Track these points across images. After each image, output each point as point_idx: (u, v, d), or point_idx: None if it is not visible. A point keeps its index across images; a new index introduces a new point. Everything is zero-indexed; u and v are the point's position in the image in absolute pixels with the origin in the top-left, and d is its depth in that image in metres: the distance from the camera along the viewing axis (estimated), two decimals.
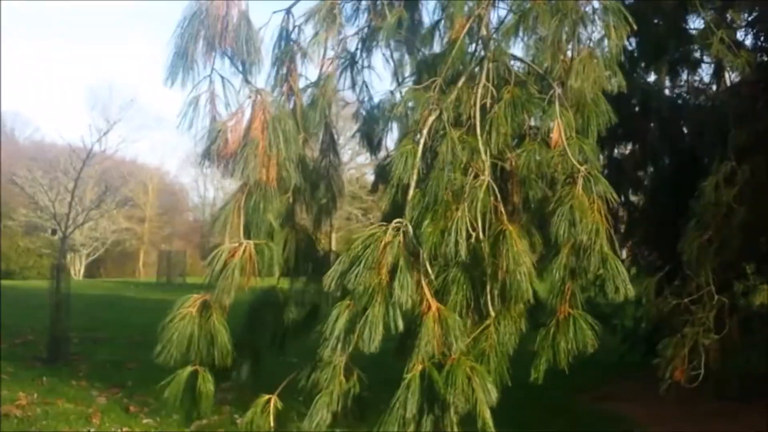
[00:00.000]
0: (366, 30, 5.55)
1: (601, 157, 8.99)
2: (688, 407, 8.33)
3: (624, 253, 11.63)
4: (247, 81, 4.37)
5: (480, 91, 4.52)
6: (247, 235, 4.25)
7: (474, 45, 5.03)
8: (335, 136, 5.66)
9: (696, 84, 10.48)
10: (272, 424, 4.08)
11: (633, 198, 11.51)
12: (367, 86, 5.82)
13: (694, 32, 8.09)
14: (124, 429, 7.34)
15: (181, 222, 59.50)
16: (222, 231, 4.29)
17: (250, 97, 4.35)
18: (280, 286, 5.15)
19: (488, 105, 4.56)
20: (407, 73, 5.72)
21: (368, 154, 6.20)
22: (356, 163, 38.97)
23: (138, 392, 8.72)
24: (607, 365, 11.29)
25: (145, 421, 7.63)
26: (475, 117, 4.42)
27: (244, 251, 4.15)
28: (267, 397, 4.18)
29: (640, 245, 11.38)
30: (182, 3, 4.28)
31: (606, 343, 11.84)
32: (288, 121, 4.34)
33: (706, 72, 10.04)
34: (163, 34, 5.84)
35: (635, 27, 4.83)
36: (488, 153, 4.30)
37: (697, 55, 9.14)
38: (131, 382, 9.38)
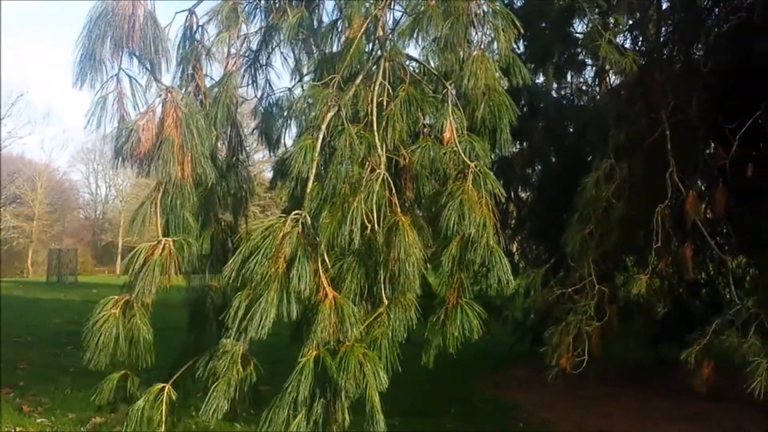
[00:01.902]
0: (267, 29, 5.64)
1: (509, 149, 9.35)
2: (572, 393, 8.77)
3: (514, 247, 12.09)
4: (156, 80, 4.41)
5: (377, 89, 4.67)
6: (166, 233, 4.29)
7: (371, 45, 5.19)
8: (242, 133, 5.73)
9: (580, 86, 11.00)
10: (164, 413, 4.11)
11: (522, 194, 11.90)
12: (270, 83, 5.93)
13: (579, 36, 8.50)
14: (18, 429, 7.19)
15: (72, 219, 57.69)
16: (141, 230, 4.31)
17: (160, 95, 4.38)
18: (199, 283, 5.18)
19: (385, 103, 4.71)
20: (306, 72, 5.84)
21: (265, 152, 6.27)
22: (253, 160, 38.60)
23: (30, 392, 8.54)
24: (498, 355, 11.74)
25: (39, 420, 7.47)
26: (372, 114, 4.57)
27: (164, 248, 4.19)
28: (161, 386, 4.19)
29: (528, 239, 11.81)
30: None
31: (497, 334, 12.38)
32: (200, 118, 4.41)
33: (589, 74, 10.58)
34: (49, 30, 5.77)
35: (522, 30, 5.11)
36: (384, 148, 4.47)
37: (582, 58, 9.57)
38: (23, 382, 9.15)
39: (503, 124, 4.64)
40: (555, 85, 11.13)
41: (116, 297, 4.20)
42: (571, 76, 10.60)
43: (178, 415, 4.54)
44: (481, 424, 7.78)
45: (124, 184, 55.82)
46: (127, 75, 4.40)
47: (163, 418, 4.08)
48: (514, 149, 11.54)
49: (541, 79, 10.68)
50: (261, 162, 35.52)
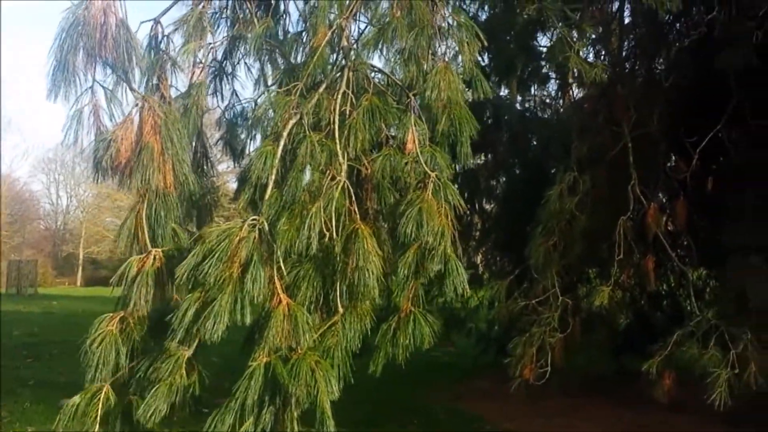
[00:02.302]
0: (232, 39, 5.62)
1: (456, 166, 9.38)
2: (535, 404, 8.78)
3: (479, 259, 12.13)
4: (131, 89, 4.38)
5: (339, 98, 4.69)
6: (154, 244, 4.26)
7: (335, 55, 5.20)
8: (207, 144, 5.70)
9: (544, 98, 11.10)
10: (99, 413, 4.04)
11: (486, 206, 11.96)
12: (236, 94, 5.91)
13: (543, 49, 8.58)
14: None
15: (32, 230, 56.85)
16: (128, 243, 4.26)
17: (137, 104, 4.35)
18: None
19: (347, 112, 4.72)
20: (270, 82, 5.82)
21: (229, 162, 6.25)
22: (216, 171, 38.48)
23: None
24: (462, 367, 11.76)
25: None
26: (334, 122, 4.58)
27: (155, 259, 4.15)
28: (100, 385, 4.12)
29: (493, 251, 11.86)
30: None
31: (461, 346, 12.36)
32: (178, 124, 4.38)
33: (552, 88, 10.68)
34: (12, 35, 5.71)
35: (486, 43, 5.13)
36: (345, 157, 4.47)
37: (545, 71, 9.66)
38: None
39: (463, 138, 4.65)
40: (519, 98, 11.21)
41: (111, 314, 4.17)
42: (535, 89, 10.70)
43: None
44: None
45: (86, 195, 55.20)
46: (102, 87, 4.38)
47: (98, 417, 4.01)
48: (479, 161, 11.61)
49: (505, 91, 10.77)
50: (225, 173, 35.37)
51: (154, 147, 4.23)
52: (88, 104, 4.34)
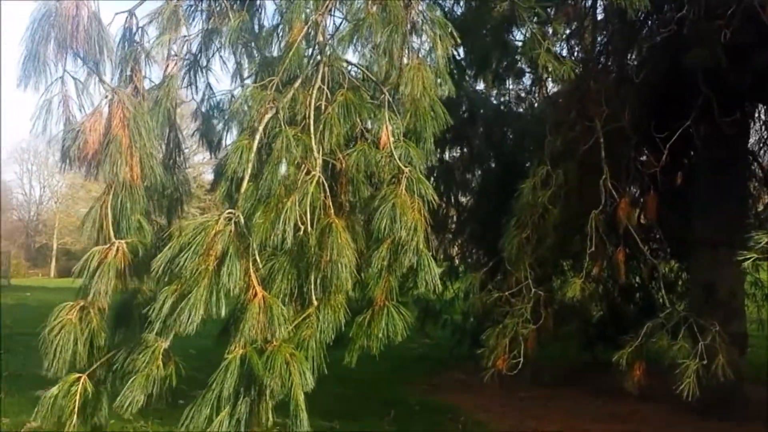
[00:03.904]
0: (207, 32, 5.65)
1: (432, 159, 9.44)
2: (510, 394, 8.95)
3: (454, 251, 12.24)
4: (101, 80, 4.39)
5: (315, 93, 4.73)
6: (118, 236, 4.28)
7: (311, 50, 5.24)
8: (180, 136, 5.72)
9: (519, 93, 11.21)
10: (77, 403, 4.07)
11: (462, 199, 12.06)
12: (210, 86, 5.94)
13: (518, 43, 8.66)
14: None
15: (4, 221, 56.12)
16: (92, 234, 4.28)
17: (106, 96, 4.37)
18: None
19: (323, 107, 4.77)
20: (246, 75, 5.86)
21: (206, 154, 6.29)
22: (193, 162, 38.31)
23: None
24: (437, 359, 11.88)
25: None
26: (309, 117, 4.63)
27: (117, 251, 4.18)
28: (77, 376, 4.15)
29: (468, 243, 11.96)
30: None
31: (437, 338, 12.47)
32: (147, 118, 4.41)
33: (527, 82, 10.78)
34: None
35: (459, 40, 5.21)
36: (321, 151, 4.53)
37: (520, 65, 9.74)
38: None
39: (426, 134, 4.72)
40: (495, 92, 11.30)
41: (71, 303, 4.17)
42: (511, 83, 10.79)
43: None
44: (419, 425, 7.86)
45: (59, 185, 54.62)
46: (72, 77, 4.38)
47: (75, 408, 4.04)
48: (455, 154, 11.70)
49: (481, 85, 10.85)
50: (202, 164, 35.21)
51: (122, 140, 4.24)
52: (58, 94, 4.35)
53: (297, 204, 4.16)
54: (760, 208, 11.08)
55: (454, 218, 12.03)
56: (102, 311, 4.18)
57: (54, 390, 4.05)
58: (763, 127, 10.19)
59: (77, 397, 4.05)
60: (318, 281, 4.22)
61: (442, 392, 9.74)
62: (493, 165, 11.20)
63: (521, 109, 11.34)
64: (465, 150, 11.43)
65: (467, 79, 10.39)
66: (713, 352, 6.46)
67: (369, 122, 4.99)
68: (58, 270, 49.20)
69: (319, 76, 4.77)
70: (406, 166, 4.46)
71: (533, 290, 7.34)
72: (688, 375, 6.24)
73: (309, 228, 4.17)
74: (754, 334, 11.23)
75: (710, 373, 6.36)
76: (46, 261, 52.34)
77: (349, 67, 5.18)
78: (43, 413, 4.01)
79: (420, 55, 5.14)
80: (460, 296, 11.27)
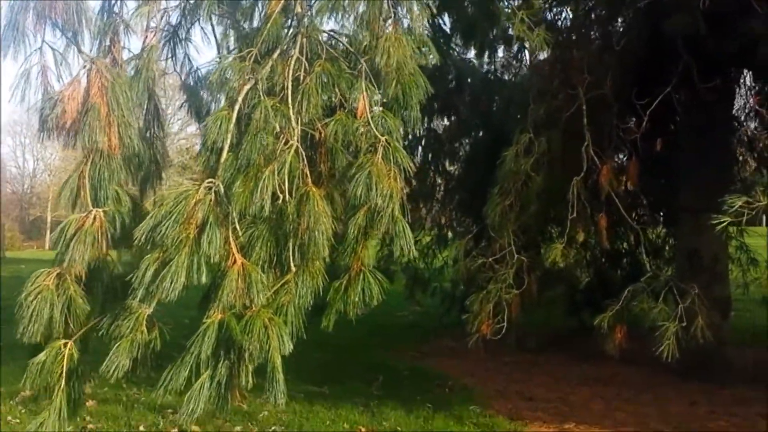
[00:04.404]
0: (188, 3, 5.67)
1: (419, 127, 9.50)
2: (497, 359, 9.12)
3: (443, 220, 12.34)
4: (80, 51, 4.45)
5: (293, 64, 4.79)
6: (96, 205, 4.35)
7: (290, 20, 5.28)
8: (159, 107, 5.77)
9: (507, 61, 11.21)
10: (64, 368, 4.17)
11: (450, 167, 12.13)
12: (189, 58, 5.97)
13: (506, 11, 8.67)
14: None
15: None
16: (68, 202, 4.36)
17: (85, 66, 4.43)
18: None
19: (301, 77, 4.83)
20: (228, 46, 5.90)
21: (197, 125, 6.33)
22: (186, 134, 38.29)
23: None
24: (426, 327, 12.04)
25: None
26: (288, 88, 4.69)
27: (94, 219, 4.26)
28: (63, 341, 4.24)
29: (456, 211, 12.05)
30: None
31: (427, 306, 12.62)
32: (125, 88, 4.47)
33: (513, 51, 10.79)
34: None
35: (435, 11, 5.25)
36: (299, 122, 4.60)
37: (509, 34, 9.74)
38: None
39: (413, 103, 4.78)
40: (485, 60, 11.29)
41: (48, 270, 4.26)
42: (494, 52, 10.77)
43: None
44: (407, 390, 8.02)
45: (53, 158, 54.38)
46: (51, 47, 4.44)
47: (63, 373, 4.15)
48: (443, 123, 11.76)
49: (472, 53, 10.86)
50: (194, 135, 35.04)
51: (100, 108, 4.31)
52: (37, 64, 4.41)
53: (275, 173, 4.25)
54: (747, 174, 11.15)
55: (442, 187, 12.11)
56: (78, 278, 4.26)
57: (41, 356, 4.14)
58: (748, 93, 10.24)
59: (64, 362, 4.15)
60: (296, 248, 4.32)
61: (430, 358, 9.92)
62: (480, 134, 11.24)
63: (508, 77, 11.36)
64: (453, 119, 11.47)
65: (454, 48, 10.42)
66: (693, 315, 6.56)
67: (345, 92, 5.05)
68: (53, 242, 49.12)
69: (297, 48, 4.83)
70: (383, 135, 4.53)
71: (516, 256, 7.41)
72: (667, 337, 6.35)
73: (287, 197, 4.26)
74: (740, 299, 11.44)
75: (689, 335, 6.46)
76: (40, 233, 52.38)
77: (328, 38, 5.23)
78: (32, 378, 4.12)
79: (401, 26, 5.17)
80: (449, 264, 11.38)
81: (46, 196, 52.99)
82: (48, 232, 51.30)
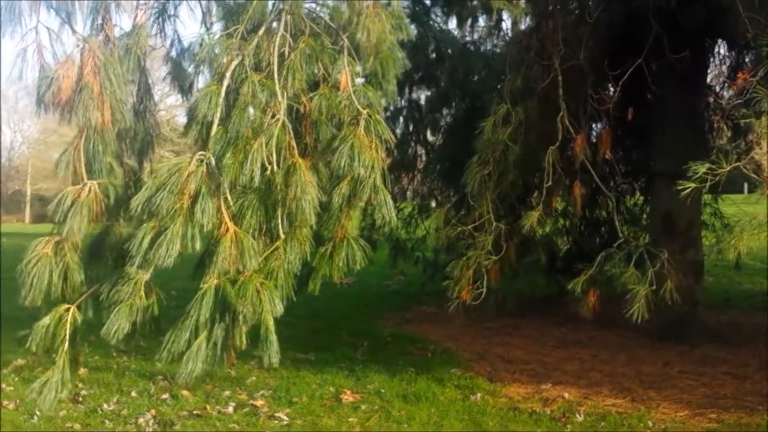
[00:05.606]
0: None
1: (395, 100, 9.65)
2: (478, 324, 9.36)
3: (425, 189, 12.54)
4: (73, 30, 4.63)
5: (278, 40, 4.99)
6: (90, 177, 4.57)
7: None
8: (150, 82, 5.93)
9: (488, 31, 11.33)
10: (68, 331, 4.41)
11: (431, 138, 12.32)
12: (178, 34, 6.14)
13: None
14: None
15: None
16: (66, 175, 4.55)
17: (78, 45, 4.60)
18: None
19: (286, 53, 5.03)
20: (214, 21, 6.05)
21: (178, 96, 6.49)
22: (166, 105, 38.06)
23: None
24: (409, 294, 12.29)
25: None
26: (273, 64, 4.89)
27: (90, 191, 4.46)
28: (66, 306, 4.47)
29: (437, 181, 12.25)
30: None
31: (410, 274, 12.85)
32: (117, 66, 4.66)
33: (491, 23, 10.91)
34: None
35: None
36: (285, 96, 4.81)
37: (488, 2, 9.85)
38: None
39: (390, 77, 4.98)
40: (463, 32, 11.41)
41: (47, 238, 4.49)
42: (475, 23, 10.89)
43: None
44: (390, 355, 8.25)
45: (30, 130, 53.88)
46: (46, 27, 4.63)
47: (67, 336, 4.39)
48: (424, 94, 11.90)
49: (453, 24, 10.96)
50: (174, 106, 34.82)
51: (93, 87, 4.52)
52: (32, 43, 4.62)
53: (264, 146, 4.46)
54: (723, 141, 11.38)
55: (423, 157, 12.29)
56: (76, 247, 4.50)
57: (46, 319, 4.39)
58: (722, 62, 10.46)
59: (68, 326, 4.37)
60: (284, 217, 4.55)
61: (413, 324, 10.16)
62: (460, 104, 11.40)
63: (487, 49, 11.50)
64: (433, 90, 11.62)
65: (434, 19, 10.56)
66: (663, 278, 6.81)
67: (327, 67, 5.23)
68: (33, 215, 48.88)
69: (282, 25, 5.01)
70: (364, 108, 4.74)
71: (495, 224, 7.63)
72: (638, 300, 6.60)
73: (275, 168, 4.47)
74: (718, 264, 11.76)
75: (659, 298, 6.71)
76: (20, 207, 52.01)
77: (312, 14, 5.39)
78: (37, 341, 4.35)
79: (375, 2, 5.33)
80: (431, 233, 11.58)
81: (25, 169, 52.55)
82: (28, 205, 50.99)
